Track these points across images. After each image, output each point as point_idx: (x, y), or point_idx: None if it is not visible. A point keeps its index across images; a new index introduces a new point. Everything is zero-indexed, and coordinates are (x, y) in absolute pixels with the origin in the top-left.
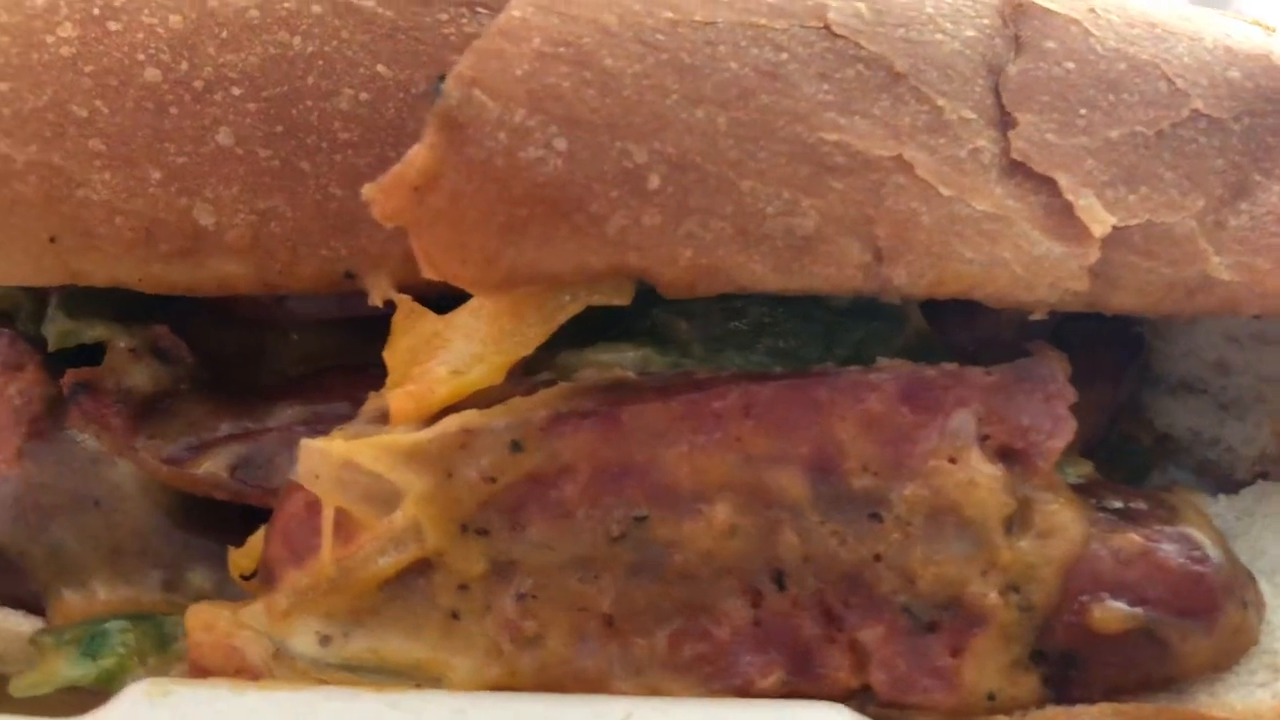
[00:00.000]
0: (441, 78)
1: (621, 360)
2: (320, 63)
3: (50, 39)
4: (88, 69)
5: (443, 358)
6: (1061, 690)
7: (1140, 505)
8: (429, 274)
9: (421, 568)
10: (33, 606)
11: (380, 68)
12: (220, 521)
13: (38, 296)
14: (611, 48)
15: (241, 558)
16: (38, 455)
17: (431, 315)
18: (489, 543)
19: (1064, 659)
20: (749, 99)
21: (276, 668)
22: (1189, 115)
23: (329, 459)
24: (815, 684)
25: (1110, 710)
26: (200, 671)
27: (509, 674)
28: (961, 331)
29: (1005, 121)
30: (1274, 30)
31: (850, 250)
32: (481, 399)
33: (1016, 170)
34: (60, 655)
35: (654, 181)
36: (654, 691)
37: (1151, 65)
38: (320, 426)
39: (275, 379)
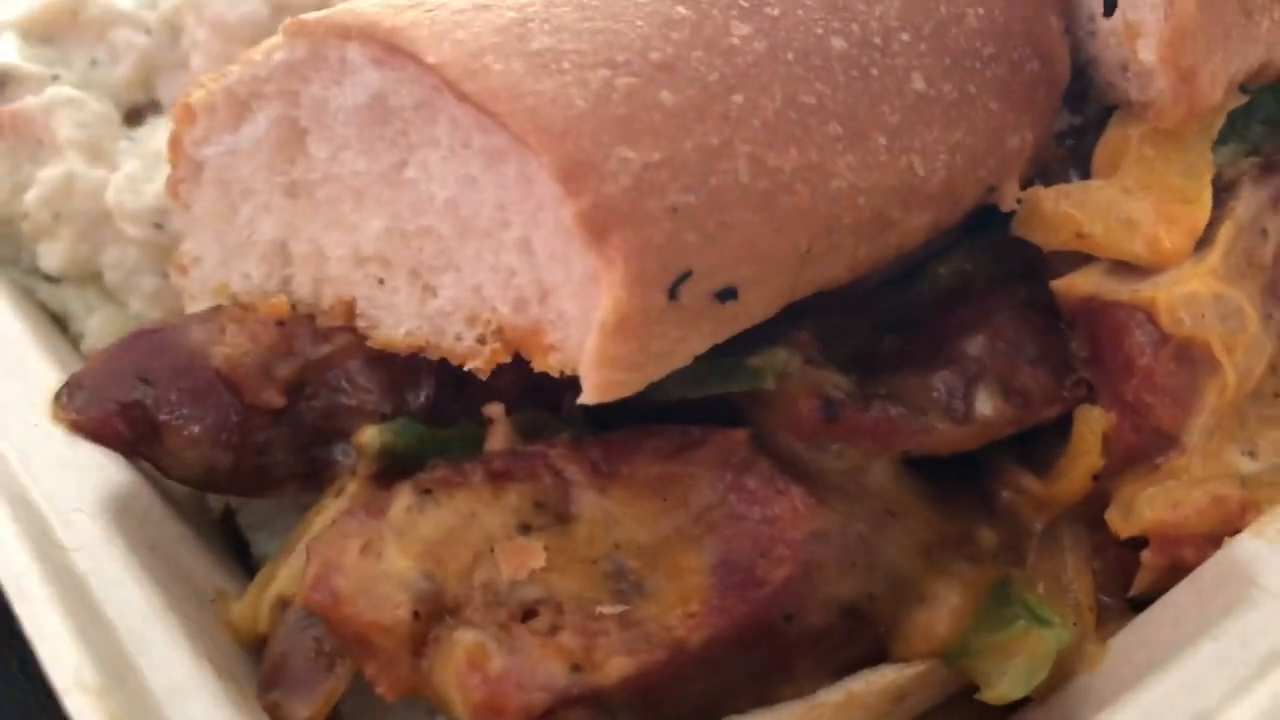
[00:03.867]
0: None
1: (1233, 157)
2: None
3: (736, 40)
4: (789, 56)
5: (1157, 203)
6: None
7: None
8: (1179, 117)
9: None
10: (869, 662)
11: None
12: (947, 485)
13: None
14: None
15: (1090, 458)
16: (818, 494)
17: (1094, 184)
18: (1275, 323)
19: None
20: None
21: (1255, 494)
22: None
23: (1203, 299)
24: None
25: None
26: (1183, 545)
27: None
28: None
29: None
30: None
31: None
32: None
33: None
34: (1025, 640)
35: None
36: None
37: None
38: (1018, 340)
39: (894, 342)
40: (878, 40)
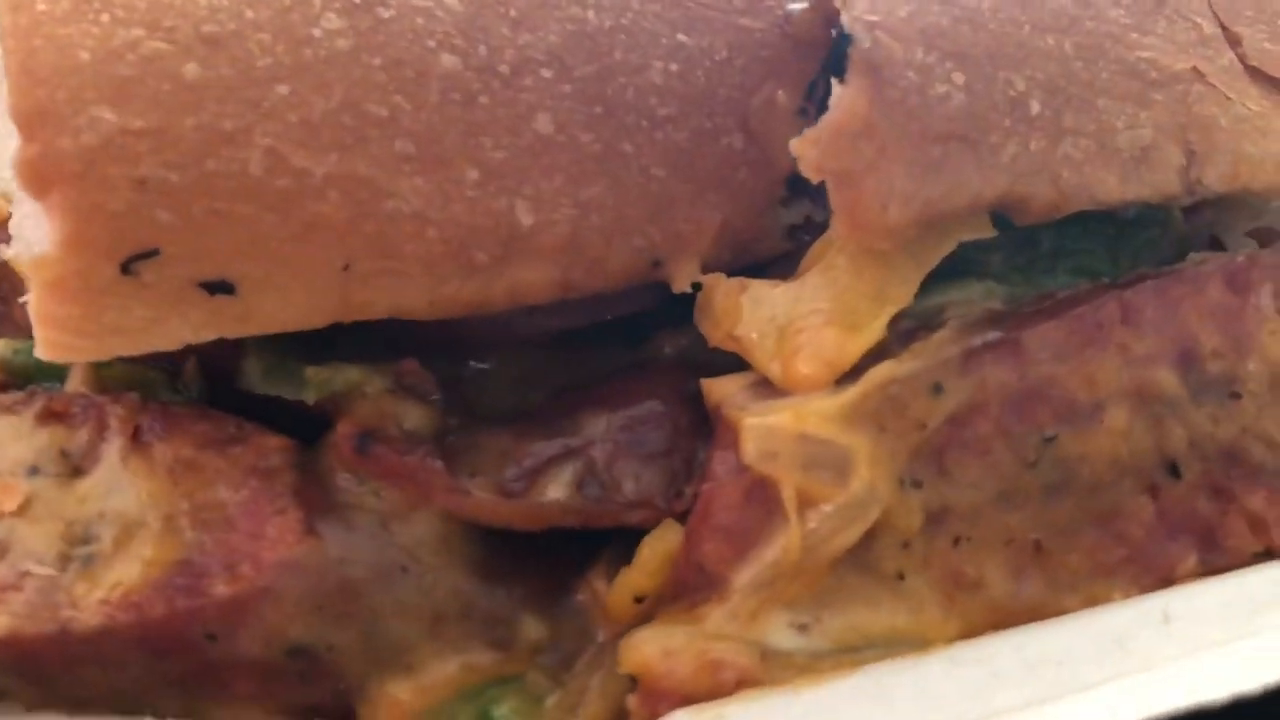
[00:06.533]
0: (836, 24)
1: (971, 296)
2: (622, 36)
3: (317, 32)
4: (375, 61)
5: (824, 320)
6: None
7: None
8: (845, 230)
9: (863, 535)
10: (333, 714)
11: (681, 36)
12: (523, 563)
13: (168, 364)
14: None
15: (640, 577)
16: (326, 527)
17: (776, 284)
18: (923, 493)
19: None
20: (1078, 24)
21: (771, 670)
22: None
23: (784, 435)
24: (1225, 556)
25: None
26: (672, 700)
27: (964, 623)
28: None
29: (1230, 36)
30: None
31: (1172, 156)
32: (873, 355)
33: (1256, 75)
34: None
35: (1035, 107)
36: (1095, 602)
37: None
38: (645, 429)
39: (540, 400)
40: (504, 69)
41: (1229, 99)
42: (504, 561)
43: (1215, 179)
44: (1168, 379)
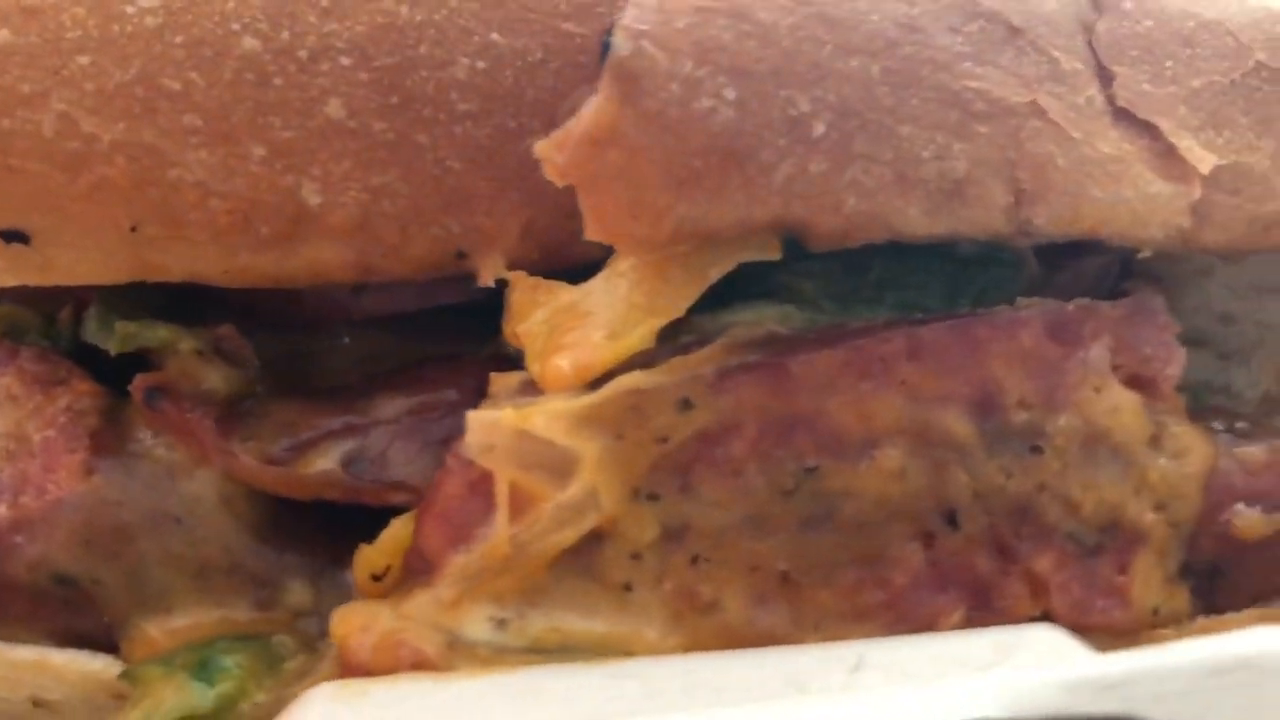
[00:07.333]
0: (608, 31)
1: (762, 318)
2: (431, 31)
3: (130, 9)
4: (178, 39)
5: (591, 324)
6: (1209, 601)
7: (1243, 425)
8: (595, 234)
9: (591, 540)
10: (102, 644)
11: (494, 35)
12: (306, 531)
13: (45, 310)
14: (763, 2)
15: (375, 555)
16: (108, 471)
17: (564, 286)
18: (660, 507)
19: (1210, 571)
20: (895, 49)
21: (453, 658)
22: (1254, 66)
23: (502, 429)
24: (997, 617)
25: (1256, 615)
26: (359, 674)
27: (691, 642)
28: (1057, 280)
29: (1105, 74)
30: None
31: (995, 193)
32: (635, 364)
33: (1123, 117)
34: (170, 684)
35: (819, 128)
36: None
37: (1216, 23)
38: (432, 415)
39: (329, 382)
40: (303, 55)
41: (1073, 138)
42: (286, 528)
43: (1048, 221)
44: (959, 424)
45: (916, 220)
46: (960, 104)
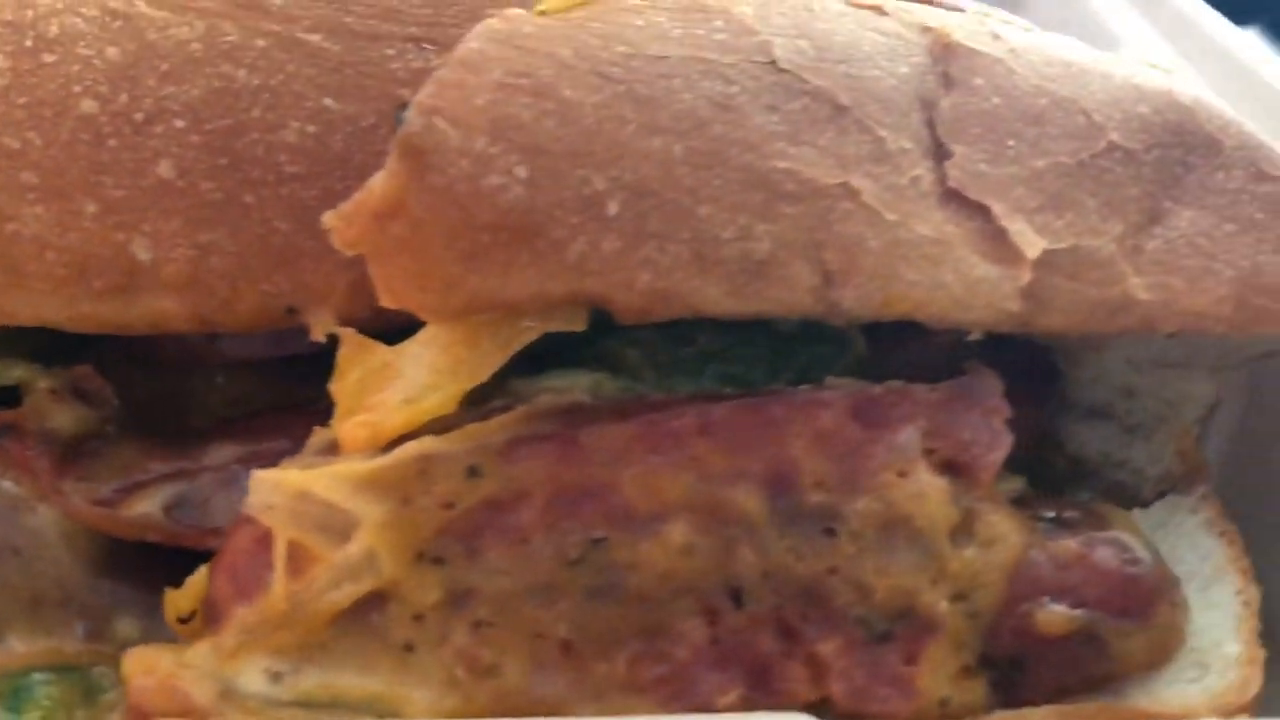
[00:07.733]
0: (403, 106)
1: (574, 386)
2: (266, 96)
3: None
4: (20, 100)
5: (396, 388)
6: (1008, 694)
7: (1072, 514)
8: (387, 302)
9: (374, 600)
10: None
11: (327, 101)
12: (146, 569)
13: None
14: (570, 79)
15: (181, 599)
16: None
17: (381, 346)
18: (445, 571)
19: (1009, 663)
20: (704, 129)
21: (225, 708)
22: (1106, 146)
23: (283, 489)
24: (774, 699)
25: (1054, 712)
26: (134, 714)
27: (466, 704)
28: (895, 358)
29: (940, 152)
30: (1170, 71)
31: (801, 274)
32: (436, 428)
33: (953, 198)
34: None
35: (613, 208)
36: (614, 714)
37: (1070, 100)
38: (259, 464)
39: (206, 421)
40: (139, 117)
41: (887, 220)
42: (125, 564)
43: (857, 302)
44: (750, 502)
45: (718, 299)
46: (768, 185)
